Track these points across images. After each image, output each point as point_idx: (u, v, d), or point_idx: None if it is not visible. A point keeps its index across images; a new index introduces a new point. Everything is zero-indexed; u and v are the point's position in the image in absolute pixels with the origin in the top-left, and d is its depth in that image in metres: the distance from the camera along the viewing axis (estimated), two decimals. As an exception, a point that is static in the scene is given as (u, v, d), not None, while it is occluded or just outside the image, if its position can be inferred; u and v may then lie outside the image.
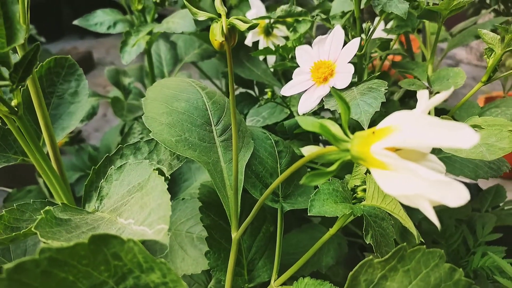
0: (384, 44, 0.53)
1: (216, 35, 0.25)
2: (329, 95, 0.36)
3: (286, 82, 0.71)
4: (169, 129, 0.33)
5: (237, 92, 0.72)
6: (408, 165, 0.17)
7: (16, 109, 0.25)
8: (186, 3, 0.26)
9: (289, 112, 0.57)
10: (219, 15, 0.27)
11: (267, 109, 0.59)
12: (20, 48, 0.28)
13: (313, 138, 0.57)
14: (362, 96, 0.32)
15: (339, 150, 0.21)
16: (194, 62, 0.78)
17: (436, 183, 0.17)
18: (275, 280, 0.37)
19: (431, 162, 0.22)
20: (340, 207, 0.30)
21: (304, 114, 0.40)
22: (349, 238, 0.55)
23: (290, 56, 0.54)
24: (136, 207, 0.24)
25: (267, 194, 0.28)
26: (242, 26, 0.26)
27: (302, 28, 0.52)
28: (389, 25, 0.63)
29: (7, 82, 0.21)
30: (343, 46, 0.38)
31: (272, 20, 0.61)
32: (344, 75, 0.36)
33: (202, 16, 0.26)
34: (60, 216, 0.26)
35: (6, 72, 0.22)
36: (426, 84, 0.43)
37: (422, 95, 0.21)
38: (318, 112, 0.54)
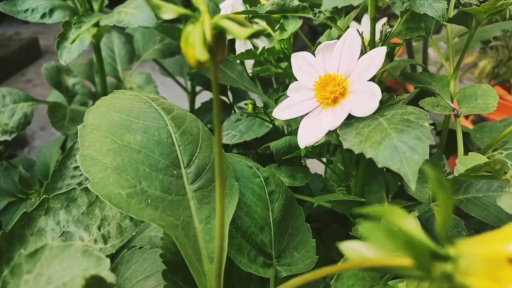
0: (389, 51, 0.44)
1: (195, 47, 0.14)
2: (344, 124, 0.27)
3: (263, 86, 0.61)
4: (117, 176, 0.22)
5: (206, 98, 0.61)
6: None
7: None
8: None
9: (271, 126, 0.47)
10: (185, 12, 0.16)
11: (244, 122, 0.49)
12: None
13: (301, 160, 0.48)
14: (400, 134, 0.22)
15: (425, 273, 0.12)
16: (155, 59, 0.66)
17: None
18: None
19: None
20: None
21: (306, 147, 0.30)
22: None
23: (275, 61, 0.44)
24: None
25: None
26: (239, 33, 0.15)
27: (292, 27, 0.41)
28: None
29: None
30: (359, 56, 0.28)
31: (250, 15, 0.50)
32: (363, 97, 0.26)
33: (169, 12, 0.16)
34: None
35: None
36: (451, 104, 0.34)
37: None
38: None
